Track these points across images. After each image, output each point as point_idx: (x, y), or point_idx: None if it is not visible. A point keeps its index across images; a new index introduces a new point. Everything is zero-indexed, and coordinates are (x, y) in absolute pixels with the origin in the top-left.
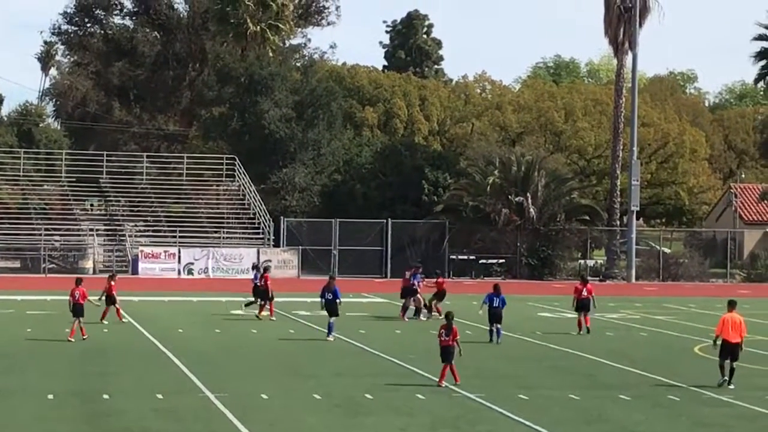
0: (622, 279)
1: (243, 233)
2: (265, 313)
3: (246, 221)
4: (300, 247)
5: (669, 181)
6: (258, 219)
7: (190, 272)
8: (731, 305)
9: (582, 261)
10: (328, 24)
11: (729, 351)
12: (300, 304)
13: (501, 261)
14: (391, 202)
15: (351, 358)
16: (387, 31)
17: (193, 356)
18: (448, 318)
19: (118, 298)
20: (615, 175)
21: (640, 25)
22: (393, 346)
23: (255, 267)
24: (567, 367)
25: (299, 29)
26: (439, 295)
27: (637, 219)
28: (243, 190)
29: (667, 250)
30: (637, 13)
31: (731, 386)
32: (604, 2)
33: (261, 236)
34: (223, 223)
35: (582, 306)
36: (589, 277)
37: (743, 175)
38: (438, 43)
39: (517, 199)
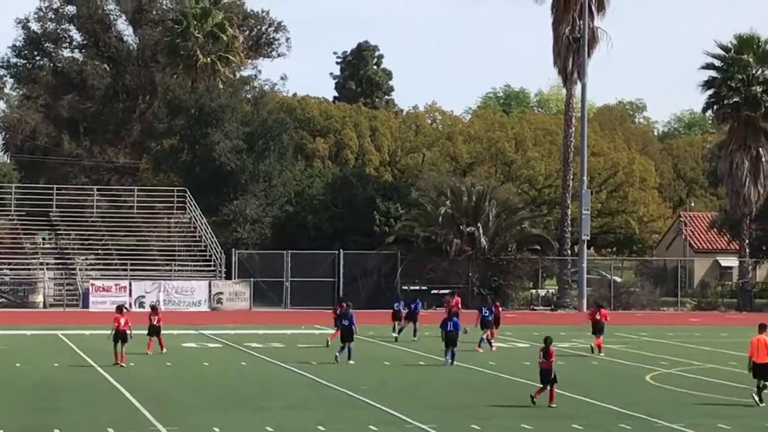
0: (574, 308)
1: (194, 266)
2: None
3: (197, 254)
4: (252, 279)
5: (619, 210)
6: (209, 251)
7: (141, 305)
8: (762, 328)
9: (534, 290)
10: (279, 55)
11: (760, 371)
12: (252, 336)
13: (452, 291)
14: (343, 233)
15: (303, 390)
16: (337, 62)
17: (144, 390)
18: (546, 341)
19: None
20: (565, 204)
21: (589, 55)
22: (345, 378)
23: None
24: (520, 397)
25: (249, 61)
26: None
27: (588, 248)
28: (194, 223)
29: (618, 279)
30: (586, 44)
31: (762, 404)
32: (552, 33)
33: (212, 268)
34: (174, 255)
35: (596, 329)
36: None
37: (693, 204)
38: (388, 74)
39: (468, 229)
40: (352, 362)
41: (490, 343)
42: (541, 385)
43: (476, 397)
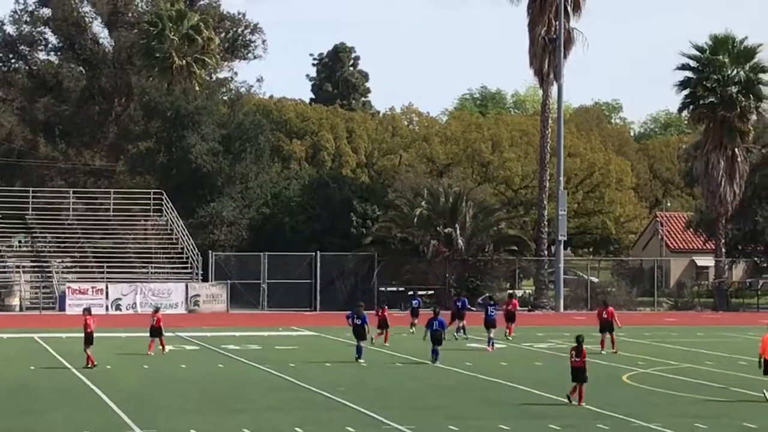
0: (551, 309)
1: (171, 268)
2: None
3: (174, 256)
4: (229, 281)
5: (596, 210)
6: (186, 253)
7: (118, 308)
8: None
9: (510, 291)
10: (255, 57)
11: None
12: (229, 338)
13: (430, 292)
14: (320, 234)
15: (281, 392)
16: (314, 64)
17: (122, 393)
18: (578, 340)
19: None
20: (542, 205)
21: (565, 56)
22: (323, 379)
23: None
24: (497, 398)
25: (226, 63)
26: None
27: (565, 249)
28: (171, 225)
29: (594, 280)
30: (562, 45)
31: None
32: (528, 33)
33: (189, 271)
34: (151, 258)
35: (604, 327)
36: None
37: (669, 204)
38: (365, 76)
39: (445, 230)
40: (362, 361)
41: (491, 342)
42: (575, 383)
43: (453, 398)
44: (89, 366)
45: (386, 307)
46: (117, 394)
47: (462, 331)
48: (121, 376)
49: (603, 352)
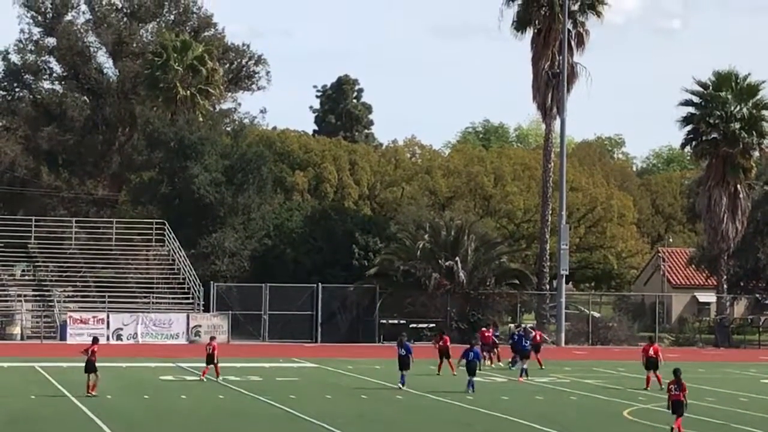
0: (552, 343)
1: (173, 298)
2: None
3: (176, 286)
4: (230, 312)
5: (597, 245)
6: (188, 284)
7: (119, 338)
8: None
9: (512, 325)
10: (259, 89)
11: None
12: (229, 369)
13: (431, 325)
14: (322, 266)
15: (281, 424)
16: (317, 96)
17: (121, 423)
18: (677, 374)
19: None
20: (544, 239)
21: (568, 91)
22: (323, 411)
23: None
24: (497, 431)
25: (229, 94)
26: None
27: (567, 283)
28: (173, 255)
29: (596, 314)
30: (565, 79)
31: None
32: (532, 68)
33: (191, 301)
34: (152, 288)
35: (650, 364)
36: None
37: (671, 240)
38: (368, 108)
39: (447, 263)
40: (404, 388)
41: (523, 373)
42: (676, 415)
43: (452, 431)
44: (90, 394)
45: (447, 336)
46: (117, 424)
47: (524, 372)
48: (121, 406)
49: (648, 389)
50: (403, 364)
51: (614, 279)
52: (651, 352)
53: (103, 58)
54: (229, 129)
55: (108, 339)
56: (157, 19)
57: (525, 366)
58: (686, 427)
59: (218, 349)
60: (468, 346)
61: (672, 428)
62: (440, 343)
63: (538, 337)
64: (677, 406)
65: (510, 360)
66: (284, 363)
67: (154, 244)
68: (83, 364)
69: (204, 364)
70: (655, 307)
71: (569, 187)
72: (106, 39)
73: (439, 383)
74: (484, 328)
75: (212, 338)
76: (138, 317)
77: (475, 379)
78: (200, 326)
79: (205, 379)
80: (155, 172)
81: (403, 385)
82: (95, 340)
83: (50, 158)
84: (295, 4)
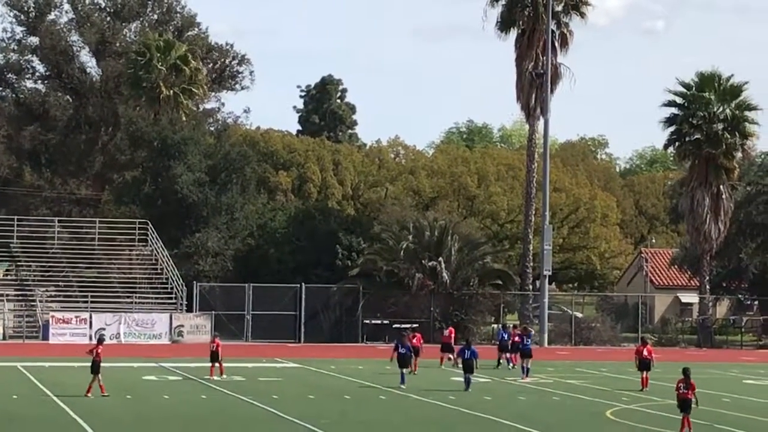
0: (535, 343)
1: (156, 298)
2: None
3: (158, 286)
4: (213, 312)
5: (581, 245)
6: (171, 284)
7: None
8: None
9: (495, 325)
10: (242, 88)
11: None
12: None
13: (414, 325)
14: (305, 266)
15: (264, 424)
16: (301, 96)
17: (103, 423)
18: (686, 372)
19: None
20: (528, 239)
21: (552, 91)
22: (306, 412)
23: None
24: None
25: (213, 93)
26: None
27: (550, 283)
28: (155, 255)
29: (579, 315)
30: (549, 80)
31: None
32: (516, 68)
33: (174, 301)
34: (135, 288)
35: (643, 365)
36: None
37: (654, 240)
38: (352, 108)
39: (430, 263)
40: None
41: (526, 372)
42: (683, 413)
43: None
44: (102, 394)
45: (419, 334)
46: (99, 424)
47: (526, 371)
48: (103, 407)
49: (645, 390)
50: (404, 362)
51: (597, 279)
52: (645, 353)
53: (86, 58)
54: (212, 129)
55: (90, 339)
56: (141, 19)
57: (528, 365)
58: (669, 427)
59: (221, 347)
60: (464, 344)
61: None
62: (413, 341)
63: (516, 338)
64: (685, 405)
65: (497, 360)
66: (267, 363)
67: (137, 243)
68: (65, 364)
69: (209, 363)
70: (638, 308)
71: (553, 188)
72: (89, 38)
73: (422, 383)
74: (512, 329)
75: (215, 336)
76: (121, 317)
77: (470, 376)
78: (183, 326)
79: (216, 378)
80: (138, 172)
81: (403, 383)
82: (101, 340)
83: (33, 157)
84: (280, 4)
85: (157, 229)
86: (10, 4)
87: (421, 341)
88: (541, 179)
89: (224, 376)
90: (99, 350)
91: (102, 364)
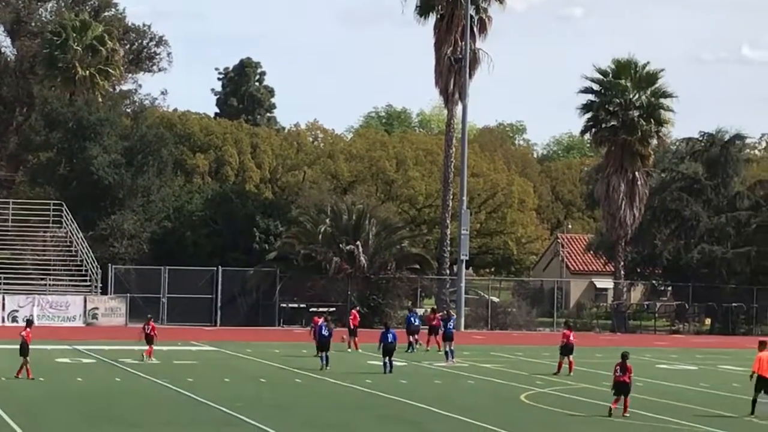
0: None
1: (70, 280)
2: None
3: (73, 268)
4: (128, 295)
5: (498, 230)
6: (85, 266)
7: (14, 320)
8: (762, 345)
9: (434, 306)
10: (160, 70)
11: (763, 385)
12: (127, 352)
13: (332, 309)
14: (222, 249)
15: (178, 407)
16: (219, 78)
17: (16, 405)
18: (624, 357)
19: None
20: (445, 224)
21: (470, 77)
22: (221, 395)
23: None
24: (395, 415)
25: (130, 75)
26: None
27: (467, 268)
28: (70, 237)
29: (495, 299)
30: (467, 65)
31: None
32: (435, 53)
33: (88, 283)
34: (49, 270)
35: (566, 350)
36: None
37: (570, 226)
38: (270, 91)
39: (348, 247)
40: (329, 368)
41: (450, 355)
42: (616, 397)
43: (351, 415)
44: (28, 377)
45: (355, 311)
46: (11, 406)
47: (451, 354)
48: (15, 388)
49: (557, 374)
50: (324, 345)
51: (514, 264)
52: (572, 338)
53: (1, 37)
54: (129, 110)
55: (3, 321)
56: None
57: (452, 348)
58: (586, 411)
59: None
60: (384, 328)
61: (610, 408)
62: (433, 322)
63: (435, 321)
64: (621, 388)
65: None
66: (183, 346)
67: (51, 225)
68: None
69: (145, 346)
70: (554, 293)
71: (470, 173)
72: (4, 17)
73: (338, 367)
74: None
75: (150, 318)
76: (34, 299)
77: (392, 359)
78: (98, 309)
79: (153, 360)
80: (53, 153)
81: (327, 365)
82: (29, 323)
83: None
84: None
85: (72, 211)
86: None
87: (357, 318)
88: (459, 164)
89: (152, 359)
90: (26, 333)
91: (16, 346)
